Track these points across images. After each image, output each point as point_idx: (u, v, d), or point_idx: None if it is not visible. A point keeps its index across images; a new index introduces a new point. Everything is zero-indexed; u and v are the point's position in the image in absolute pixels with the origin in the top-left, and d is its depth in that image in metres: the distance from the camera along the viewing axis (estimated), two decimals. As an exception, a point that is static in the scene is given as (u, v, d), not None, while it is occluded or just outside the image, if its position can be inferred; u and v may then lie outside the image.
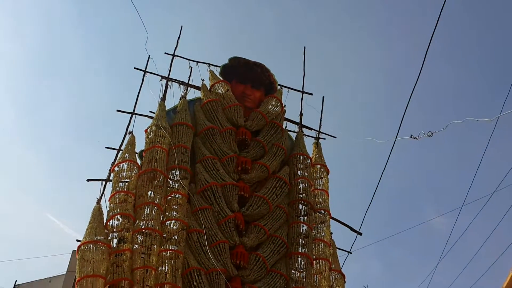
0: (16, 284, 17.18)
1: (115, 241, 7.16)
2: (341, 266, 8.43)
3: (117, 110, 8.67)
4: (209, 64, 9.73)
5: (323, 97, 10.30)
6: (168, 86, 9.22)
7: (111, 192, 7.58)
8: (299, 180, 8.95)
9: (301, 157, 9.27)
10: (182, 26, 9.91)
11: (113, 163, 8.00)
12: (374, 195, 6.66)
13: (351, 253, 8.65)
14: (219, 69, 9.73)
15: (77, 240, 7.13)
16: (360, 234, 8.62)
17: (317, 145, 9.77)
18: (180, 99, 9.14)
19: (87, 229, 7.09)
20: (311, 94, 10.19)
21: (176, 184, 7.99)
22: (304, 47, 10.63)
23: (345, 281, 8.38)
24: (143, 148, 8.29)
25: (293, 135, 9.77)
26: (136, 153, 8.22)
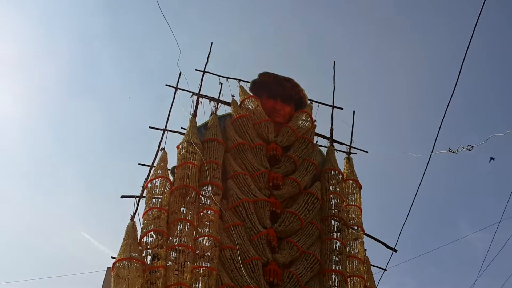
0: (51, 302, 17.30)
1: (149, 258, 7.16)
2: (376, 284, 8.24)
3: (150, 127, 8.76)
4: (239, 80, 9.77)
5: (354, 111, 10.22)
6: (199, 102, 9.28)
7: (145, 209, 7.61)
8: (331, 195, 8.85)
9: (332, 172, 9.18)
10: (212, 43, 9.99)
11: (146, 179, 8.05)
12: (409, 212, 6.50)
13: (386, 270, 8.47)
14: (249, 84, 9.75)
15: (112, 257, 7.17)
16: (395, 251, 8.45)
17: (349, 160, 9.66)
18: (211, 115, 9.18)
19: (121, 246, 7.11)
20: (342, 108, 10.13)
21: (208, 201, 7.98)
22: (334, 62, 10.58)
23: (380, 299, 8.19)
24: (175, 164, 8.32)
25: (324, 150, 9.70)
26: (168, 169, 8.26)
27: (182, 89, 9.35)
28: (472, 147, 6.68)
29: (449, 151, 6.87)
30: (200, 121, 9.04)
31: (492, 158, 6.70)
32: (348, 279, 8.12)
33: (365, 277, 8.29)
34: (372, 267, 8.64)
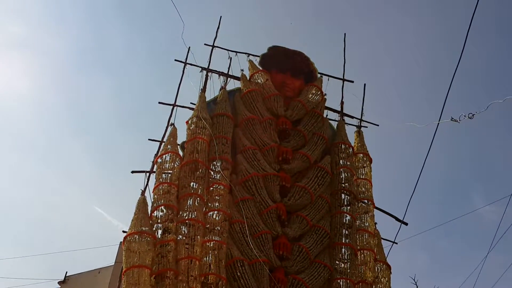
0: (67, 275, 17.69)
1: (159, 232, 7.26)
2: (386, 257, 8.26)
3: (159, 102, 8.76)
4: (248, 54, 9.67)
5: (365, 84, 10.11)
6: (208, 77, 9.23)
7: (155, 184, 7.68)
8: (341, 169, 8.83)
9: (342, 146, 9.13)
10: (221, 17, 9.89)
11: (156, 154, 8.09)
12: (417, 183, 6.45)
13: (396, 243, 8.47)
14: (258, 58, 9.66)
15: (123, 231, 7.28)
16: (406, 224, 8.42)
17: (359, 133, 9.59)
18: (220, 90, 9.15)
19: (132, 220, 7.21)
20: (352, 81, 10.00)
21: (218, 175, 8.01)
22: (345, 34, 10.44)
23: (391, 272, 8.22)
24: (184, 139, 8.34)
25: (334, 124, 9.63)
26: (178, 144, 8.29)
27: (191, 64, 9.32)
28: (473, 115, 6.57)
29: (452, 119, 6.76)
30: (209, 96, 9.02)
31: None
32: (358, 252, 8.15)
33: (375, 250, 8.31)
34: (382, 240, 8.65)
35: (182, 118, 8.63)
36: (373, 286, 8.01)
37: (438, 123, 6.20)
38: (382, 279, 8.14)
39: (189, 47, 9.35)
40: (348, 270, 7.85)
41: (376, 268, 8.18)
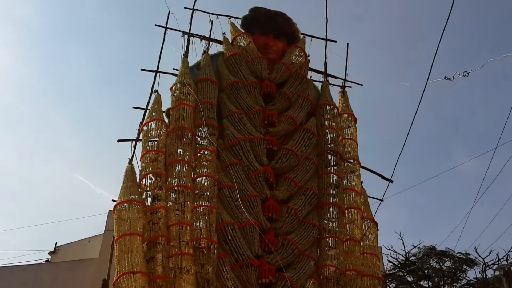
0: (57, 246, 17.79)
1: (149, 199, 7.28)
2: (374, 215, 8.44)
3: (141, 69, 8.63)
4: (230, 17, 9.51)
5: (348, 43, 10.05)
6: (190, 42, 9.08)
7: (142, 152, 7.65)
8: (327, 130, 8.88)
9: (327, 107, 9.16)
10: (199, -21, 9.61)
11: (141, 122, 8.02)
12: (405, 142, 6.50)
13: (383, 200, 8.64)
14: (240, 21, 9.50)
15: (113, 200, 7.28)
16: (391, 181, 8.57)
17: (344, 94, 9.61)
18: (203, 54, 9.03)
19: (121, 189, 7.21)
20: (335, 41, 9.94)
21: (205, 141, 8.00)
22: (325, -7, 10.26)
23: (377, 229, 8.43)
24: (169, 106, 8.27)
25: (319, 85, 9.63)
26: (163, 111, 8.21)
27: (172, 29, 9.13)
28: (468, 73, 6.54)
29: (445, 78, 6.72)
30: (192, 61, 8.90)
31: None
32: (346, 211, 8.31)
33: (362, 208, 8.48)
34: (369, 198, 8.81)
35: (166, 84, 8.54)
36: (361, 243, 8.21)
37: (427, 82, 6.17)
38: (369, 236, 8.34)
39: (169, 11, 9.15)
40: (337, 229, 8.02)
41: (363, 225, 8.37)
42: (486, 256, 13.51)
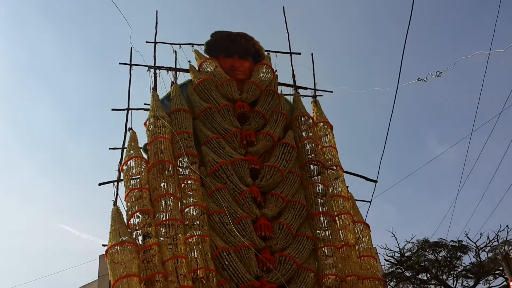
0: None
1: (140, 238, 7.19)
2: (365, 218, 8.50)
3: (112, 109, 8.58)
4: (193, 44, 9.57)
5: (312, 54, 10.22)
6: (157, 75, 9.09)
7: (125, 191, 7.57)
8: (305, 141, 8.96)
9: (302, 119, 9.25)
10: (157, 11, 9.70)
11: (120, 162, 7.95)
12: (386, 143, 6.59)
13: (370, 202, 8.70)
14: (203, 47, 9.56)
15: (104, 245, 7.16)
16: (376, 182, 8.65)
17: (316, 103, 9.72)
18: (171, 85, 9.03)
19: (110, 232, 7.10)
20: (300, 53, 10.10)
21: (187, 171, 7.98)
22: (283, 7, 10.47)
23: (370, 230, 8.48)
24: (146, 141, 8.23)
25: (290, 98, 9.72)
26: (140, 148, 8.16)
27: (137, 65, 9.13)
28: (440, 73, 6.67)
29: (418, 80, 6.84)
30: (161, 93, 8.89)
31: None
32: (336, 218, 8.35)
33: (352, 212, 8.53)
34: (357, 201, 8.87)
35: (139, 120, 8.51)
36: (356, 247, 8.25)
37: (397, 86, 6.26)
38: (363, 239, 8.39)
39: (131, 47, 9.14)
40: (330, 237, 8.05)
41: (355, 229, 8.42)
42: (478, 240, 13.72)
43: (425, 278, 13.87)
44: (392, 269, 13.84)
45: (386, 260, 14.09)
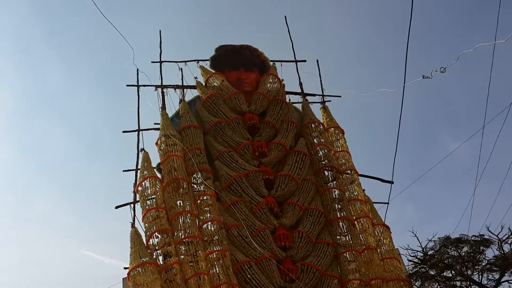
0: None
1: (160, 258, 7.19)
2: (384, 220, 8.42)
3: (123, 131, 8.62)
4: (198, 60, 9.62)
5: (317, 60, 10.22)
6: (165, 94, 9.14)
7: (142, 212, 7.59)
8: (318, 148, 8.93)
9: (313, 125, 9.24)
10: (160, 31, 9.80)
11: (135, 184, 7.98)
12: (397, 142, 6.53)
13: (388, 203, 8.63)
14: (208, 62, 9.61)
15: (125, 268, 7.17)
16: (392, 182, 8.59)
17: (325, 109, 9.71)
18: (180, 102, 9.07)
19: (130, 254, 7.11)
20: (305, 61, 10.12)
21: (201, 187, 7.98)
22: (285, 16, 10.49)
23: (390, 232, 8.40)
24: (158, 161, 8.26)
25: (299, 106, 9.72)
26: (154, 167, 8.19)
27: (144, 85, 9.18)
28: (445, 68, 6.65)
29: (423, 77, 6.82)
30: (170, 111, 8.94)
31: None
32: (355, 222, 8.29)
33: (370, 215, 8.47)
34: (374, 204, 8.80)
35: (150, 140, 8.56)
36: (378, 250, 8.17)
37: (404, 85, 6.23)
38: (384, 241, 8.32)
39: (138, 69, 9.21)
40: (351, 242, 7.99)
41: (376, 232, 8.34)
42: (499, 232, 13.53)
43: (450, 275, 13.69)
44: (416, 269, 13.66)
45: (410, 260, 13.92)
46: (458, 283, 13.64)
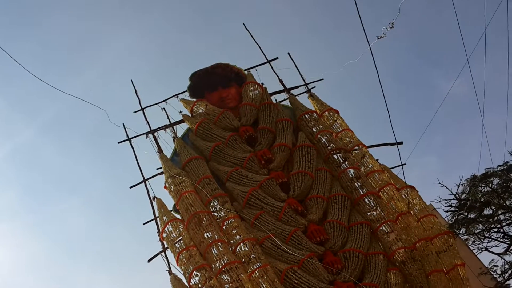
0: None
1: (206, 294, 7.13)
2: (405, 182, 8.35)
3: (130, 187, 8.67)
4: (177, 95, 9.67)
5: (288, 53, 10.22)
6: (157, 137, 9.19)
7: (175, 257, 7.56)
8: (319, 135, 8.90)
9: (306, 116, 9.22)
10: (132, 80, 9.89)
11: (158, 232, 7.98)
12: (386, 103, 6.55)
13: (405, 164, 8.59)
14: (187, 93, 9.66)
15: (175, 316, 7.12)
16: (401, 143, 8.55)
17: (313, 96, 9.69)
18: (174, 140, 9.10)
19: (176, 301, 7.06)
20: (277, 58, 10.12)
21: (222, 212, 7.95)
22: (243, 23, 10.53)
23: (417, 191, 8.32)
24: (173, 202, 8.27)
25: (287, 103, 9.71)
26: (171, 210, 8.20)
27: (134, 137, 9.26)
28: (393, 23, 6.82)
29: (378, 38, 7.00)
30: (168, 152, 8.97)
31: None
32: (380, 193, 8.22)
33: (391, 181, 8.40)
34: (391, 169, 8.74)
35: (158, 186, 8.58)
36: (411, 212, 8.09)
37: (369, 49, 6.31)
38: (414, 201, 8.23)
39: (123, 124, 9.29)
40: (382, 214, 7.92)
41: (402, 195, 8.27)
42: (523, 152, 13.40)
43: (491, 211, 13.53)
44: (455, 218, 13.53)
45: (446, 211, 13.80)
46: (502, 217, 13.49)
